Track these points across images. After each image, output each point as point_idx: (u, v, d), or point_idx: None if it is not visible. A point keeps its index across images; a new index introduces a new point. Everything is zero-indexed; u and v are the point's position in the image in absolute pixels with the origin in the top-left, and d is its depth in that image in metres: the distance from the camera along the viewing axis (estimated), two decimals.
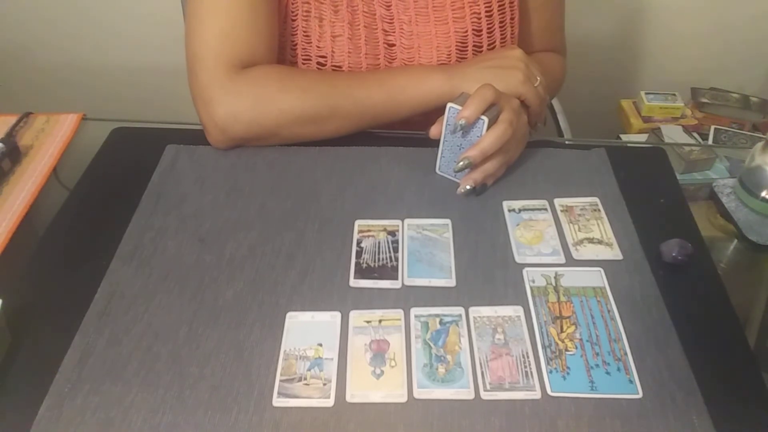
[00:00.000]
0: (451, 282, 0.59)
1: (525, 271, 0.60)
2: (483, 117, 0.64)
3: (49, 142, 0.77)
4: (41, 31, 1.62)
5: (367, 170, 0.71)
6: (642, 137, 1.47)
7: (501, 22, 0.78)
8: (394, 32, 0.76)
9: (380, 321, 0.55)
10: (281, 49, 0.76)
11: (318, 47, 0.75)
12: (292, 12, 0.75)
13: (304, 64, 0.77)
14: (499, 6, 0.77)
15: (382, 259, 0.61)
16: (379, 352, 0.53)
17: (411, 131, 0.76)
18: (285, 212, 0.66)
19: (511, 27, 0.79)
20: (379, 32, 0.75)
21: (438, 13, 0.75)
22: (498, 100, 0.65)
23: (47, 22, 1.61)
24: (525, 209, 0.67)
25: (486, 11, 0.77)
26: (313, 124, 0.71)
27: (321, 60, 0.76)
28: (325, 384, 0.50)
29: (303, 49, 0.76)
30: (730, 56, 1.62)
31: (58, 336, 0.54)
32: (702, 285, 0.60)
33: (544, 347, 0.53)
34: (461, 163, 0.65)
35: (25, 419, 0.48)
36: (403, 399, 0.49)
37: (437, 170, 0.70)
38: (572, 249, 0.62)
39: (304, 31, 0.75)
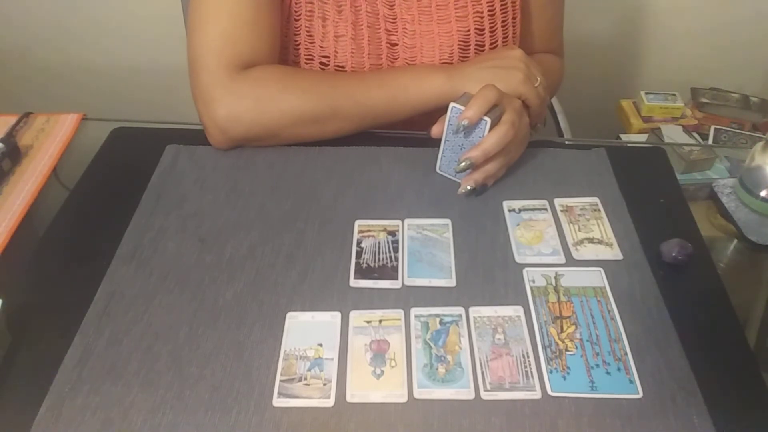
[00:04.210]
0: (451, 282, 0.59)
1: (525, 271, 0.60)
2: (486, 118, 0.64)
3: (49, 142, 0.77)
4: (41, 31, 1.62)
5: (367, 170, 0.71)
6: (642, 137, 1.47)
7: (503, 21, 0.78)
8: (396, 32, 0.76)
9: (380, 321, 0.55)
10: (284, 48, 0.76)
11: (321, 47, 0.75)
12: (296, 12, 0.75)
13: (306, 64, 0.77)
14: (502, 5, 0.77)
15: (382, 259, 0.61)
16: (379, 352, 0.53)
17: (411, 131, 0.76)
18: (285, 212, 0.66)
19: (513, 27, 0.79)
20: (382, 32, 0.76)
21: (441, 11, 0.75)
22: (500, 100, 0.65)
23: (47, 22, 1.61)
24: (525, 209, 0.67)
25: (488, 10, 0.77)
26: (313, 124, 0.71)
27: (324, 60, 0.76)
28: (325, 384, 0.50)
29: (306, 48, 0.76)
30: (730, 56, 1.62)
31: (58, 336, 0.54)
32: (702, 285, 0.60)
33: (544, 347, 0.53)
34: (463, 163, 0.65)
35: (25, 419, 0.48)
36: (403, 399, 0.49)
37: (438, 170, 0.70)
38: (572, 249, 0.62)
39: (308, 31, 0.75)
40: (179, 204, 0.67)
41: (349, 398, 0.49)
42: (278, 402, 0.49)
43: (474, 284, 0.58)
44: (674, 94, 1.53)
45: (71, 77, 1.68)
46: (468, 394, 0.50)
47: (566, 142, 0.82)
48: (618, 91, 1.63)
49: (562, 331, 0.55)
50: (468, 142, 0.66)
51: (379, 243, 0.62)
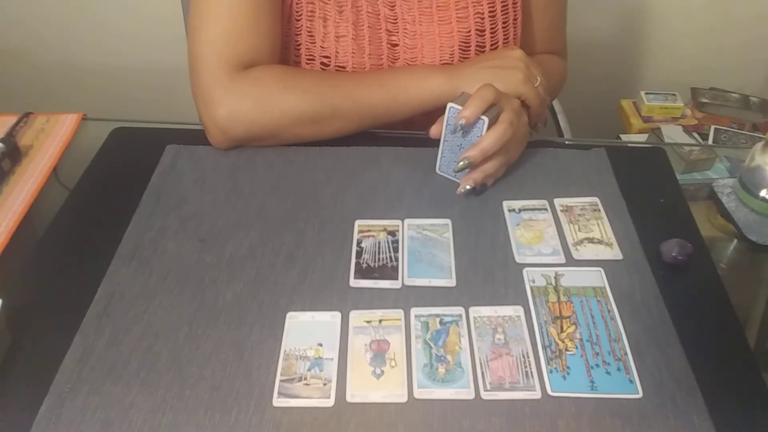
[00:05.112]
0: (451, 282, 0.59)
1: (525, 271, 0.60)
2: (483, 117, 0.64)
3: (49, 142, 0.77)
4: (41, 31, 1.62)
5: (367, 170, 0.71)
6: (642, 137, 1.47)
7: (504, 23, 0.78)
8: (397, 32, 0.76)
9: (380, 321, 0.55)
10: (285, 49, 0.77)
11: (322, 47, 0.75)
12: (297, 12, 0.75)
13: (307, 64, 0.77)
14: (503, 6, 0.77)
15: (382, 259, 0.61)
16: (379, 352, 0.53)
17: (411, 131, 0.76)
18: (285, 212, 0.66)
19: (514, 27, 0.79)
20: (383, 32, 0.76)
21: (442, 12, 0.75)
22: (498, 100, 0.65)
23: (47, 22, 1.61)
24: (525, 209, 0.67)
25: (489, 11, 0.77)
26: (313, 124, 0.71)
27: (325, 60, 0.76)
28: (325, 384, 0.50)
29: (307, 49, 0.76)
30: (730, 56, 1.62)
31: (58, 336, 0.54)
32: (702, 285, 0.60)
33: (544, 347, 0.53)
34: (461, 163, 0.65)
35: (25, 419, 0.48)
36: (404, 399, 0.49)
37: (437, 170, 0.70)
38: (572, 249, 0.62)
39: (308, 32, 0.75)
40: (179, 204, 0.67)
41: (349, 398, 0.49)
42: (278, 402, 0.49)
43: (474, 284, 0.58)
44: (674, 94, 1.53)
45: (71, 77, 1.68)
46: (468, 394, 0.50)
47: (566, 142, 0.82)
48: (618, 91, 1.63)
49: (562, 331, 0.55)
50: (466, 141, 0.66)
51: (379, 243, 0.62)
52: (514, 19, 0.79)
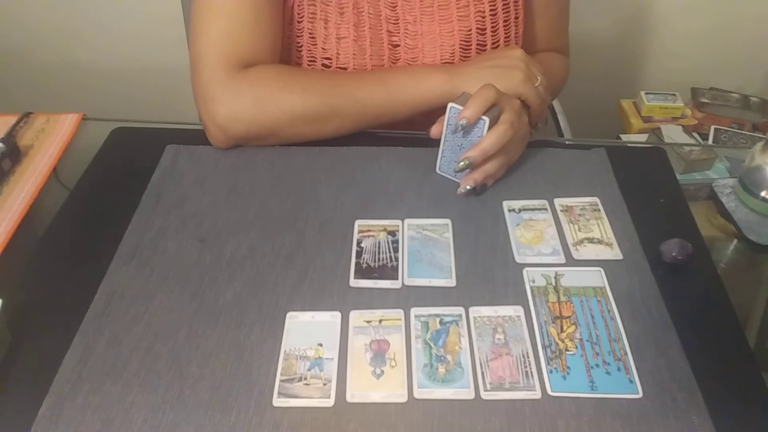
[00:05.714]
0: (451, 282, 0.59)
1: (525, 271, 0.60)
2: (484, 117, 0.64)
3: (49, 142, 0.77)
4: (41, 31, 1.62)
5: (367, 170, 0.71)
6: (642, 137, 1.47)
7: (505, 21, 0.78)
8: (398, 33, 0.76)
9: (380, 321, 0.55)
10: (287, 50, 0.77)
11: (323, 49, 0.75)
12: (298, 14, 0.75)
13: (309, 65, 0.77)
14: (504, 5, 0.77)
15: (382, 259, 0.61)
16: (379, 352, 0.53)
17: (411, 131, 0.76)
18: (285, 212, 0.66)
19: (515, 26, 0.79)
20: (384, 33, 0.76)
21: (443, 11, 0.75)
22: (499, 100, 0.65)
23: (47, 22, 1.61)
24: (525, 209, 0.67)
25: (490, 10, 0.77)
26: (313, 123, 0.71)
27: (326, 62, 0.76)
28: (325, 384, 0.50)
29: (308, 50, 0.76)
30: (730, 56, 1.62)
31: (58, 336, 0.54)
32: (702, 285, 0.60)
33: (544, 347, 0.53)
34: (462, 163, 0.65)
35: (25, 419, 0.48)
36: (404, 399, 0.49)
37: (437, 170, 0.70)
38: (572, 249, 0.62)
39: (310, 33, 0.75)
40: (179, 204, 0.67)
41: (349, 398, 0.49)
42: (278, 402, 0.49)
43: (474, 284, 0.58)
44: (674, 94, 1.53)
45: (71, 77, 1.68)
46: (468, 394, 0.50)
47: (566, 142, 0.82)
48: (618, 91, 1.63)
49: (562, 331, 0.55)
50: (467, 141, 0.66)
51: (379, 243, 0.62)
52: (516, 18, 0.79)
